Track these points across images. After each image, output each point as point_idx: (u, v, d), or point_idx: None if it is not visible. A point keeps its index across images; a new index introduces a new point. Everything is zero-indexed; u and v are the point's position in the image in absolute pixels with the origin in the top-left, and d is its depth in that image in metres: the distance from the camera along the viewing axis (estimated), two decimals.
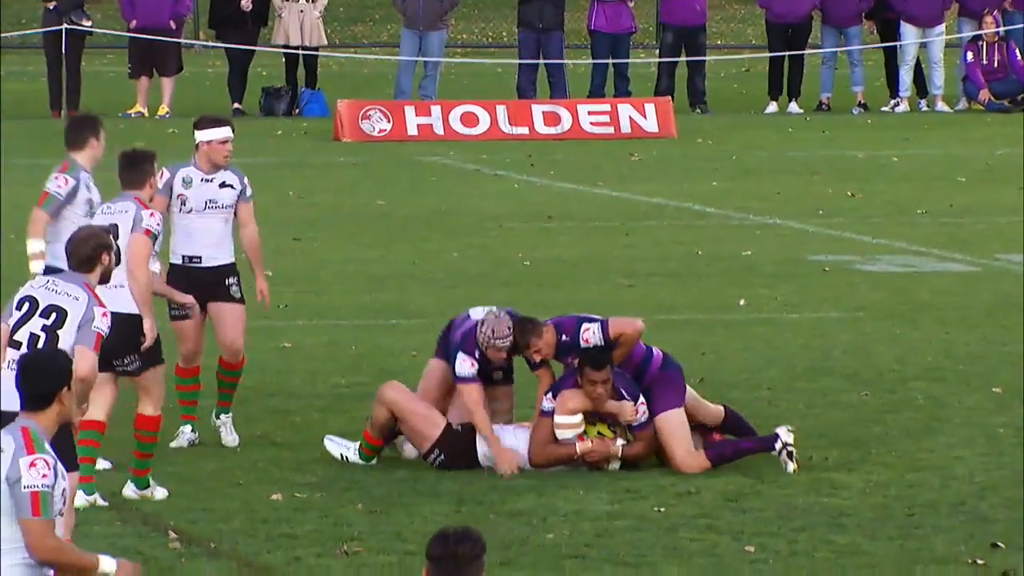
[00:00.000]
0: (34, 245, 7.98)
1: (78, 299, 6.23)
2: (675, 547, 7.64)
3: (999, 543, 7.80)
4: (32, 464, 4.18)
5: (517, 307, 9.05)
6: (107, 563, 4.32)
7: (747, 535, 7.75)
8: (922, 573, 7.48)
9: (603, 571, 7.29)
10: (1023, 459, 8.39)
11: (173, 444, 8.63)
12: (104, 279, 6.52)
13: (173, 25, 17.93)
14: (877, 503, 8.21)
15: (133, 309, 7.47)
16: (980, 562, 7.76)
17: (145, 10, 17.47)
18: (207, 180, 8.55)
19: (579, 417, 8.29)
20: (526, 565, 7.44)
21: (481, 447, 8.40)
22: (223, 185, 8.60)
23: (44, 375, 4.51)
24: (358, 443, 8.49)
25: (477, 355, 8.32)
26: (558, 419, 8.32)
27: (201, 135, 8.68)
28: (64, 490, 4.36)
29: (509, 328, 8.24)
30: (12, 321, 6.50)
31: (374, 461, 8.40)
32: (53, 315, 6.39)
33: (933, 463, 8.85)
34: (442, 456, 8.46)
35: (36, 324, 6.43)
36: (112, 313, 6.38)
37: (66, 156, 7.98)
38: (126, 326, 7.35)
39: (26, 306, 6.34)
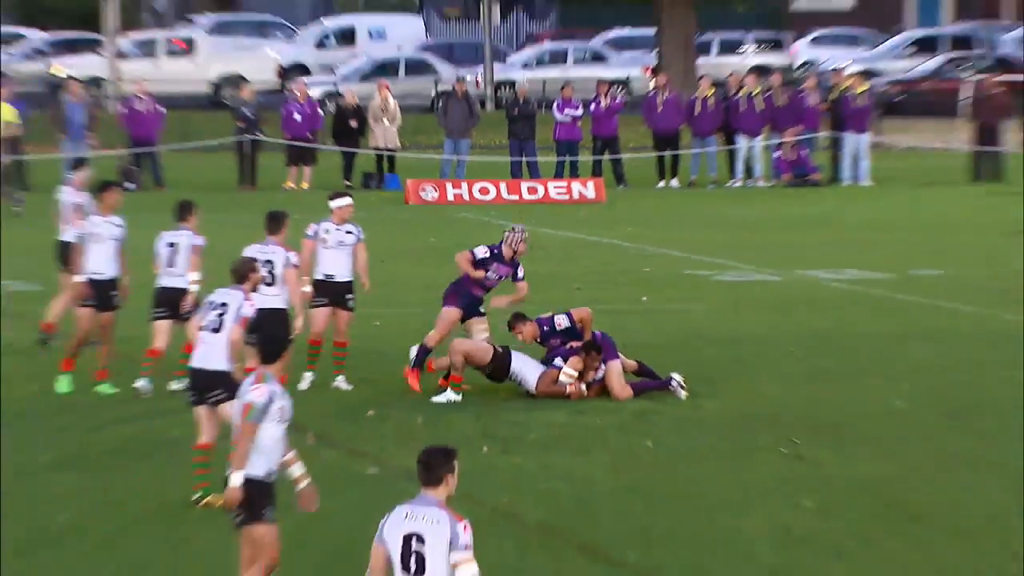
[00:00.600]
0: None
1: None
2: (605, 441, 11.45)
3: (795, 439, 11.05)
4: (255, 389, 7.25)
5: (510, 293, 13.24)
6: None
7: (649, 436, 11.53)
8: (752, 458, 10.79)
9: (562, 455, 10.92)
10: None
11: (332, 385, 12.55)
12: (254, 289, 9.89)
13: (311, 135, 26.82)
14: (723, 416, 11.88)
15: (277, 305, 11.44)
16: (783, 451, 11.04)
17: (299, 125, 26.46)
18: (338, 229, 12.73)
19: (576, 373, 12.26)
20: (518, 452, 11.33)
21: (516, 362, 12.32)
22: (348, 232, 12.73)
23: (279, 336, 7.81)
24: (448, 388, 12.11)
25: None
26: (564, 372, 12.22)
27: (334, 203, 12.84)
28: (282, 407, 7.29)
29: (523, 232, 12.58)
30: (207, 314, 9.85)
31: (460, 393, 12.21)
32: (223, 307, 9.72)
33: (744, 389, 12.65)
34: (490, 371, 12.34)
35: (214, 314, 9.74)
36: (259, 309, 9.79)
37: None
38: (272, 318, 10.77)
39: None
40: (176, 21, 49.46)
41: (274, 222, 11.73)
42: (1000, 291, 17.31)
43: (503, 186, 26.32)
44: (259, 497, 7.50)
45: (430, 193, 25.77)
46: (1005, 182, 27.00)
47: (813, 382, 13.04)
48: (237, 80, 34.46)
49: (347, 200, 12.97)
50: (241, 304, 9.80)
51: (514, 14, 49.91)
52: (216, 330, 9.65)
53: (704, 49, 40.18)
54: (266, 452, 7.47)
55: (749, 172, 27.35)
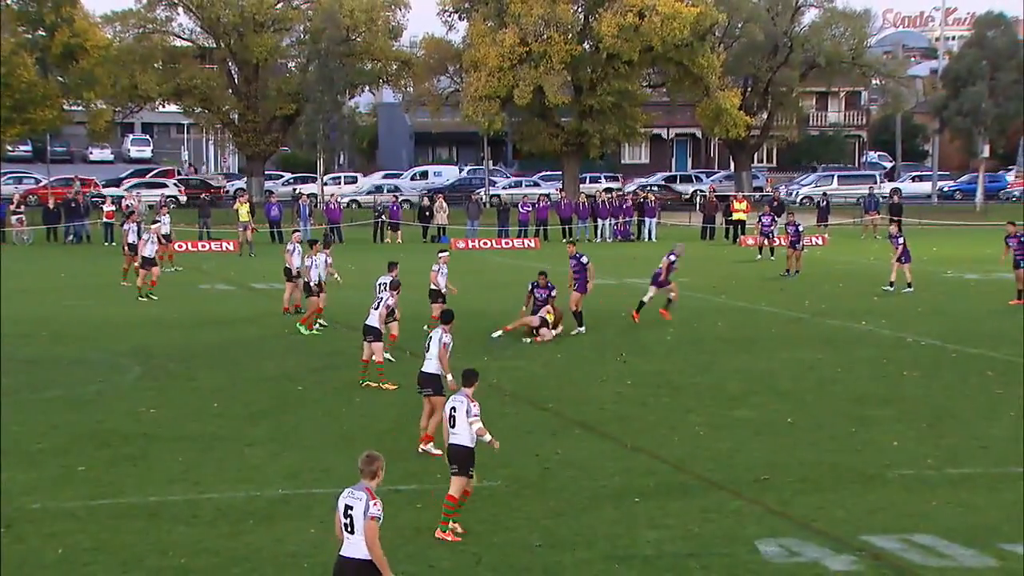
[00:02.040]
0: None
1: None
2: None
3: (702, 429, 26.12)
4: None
5: (470, 296, 34.37)
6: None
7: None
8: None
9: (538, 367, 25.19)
10: None
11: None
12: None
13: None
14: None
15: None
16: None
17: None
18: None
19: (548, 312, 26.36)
20: (509, 383, 21.44)
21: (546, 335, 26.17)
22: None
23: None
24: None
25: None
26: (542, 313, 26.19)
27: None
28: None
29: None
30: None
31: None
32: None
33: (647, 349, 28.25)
34: (535, 335, 24.52)
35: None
36: None
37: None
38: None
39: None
40: None
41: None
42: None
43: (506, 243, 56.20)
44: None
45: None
46: (715, 240, 56.92)
47: None
48: None
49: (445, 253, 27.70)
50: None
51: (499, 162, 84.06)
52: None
53: (583, 180, 72.23)
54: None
55: (599, 233, 57.77)
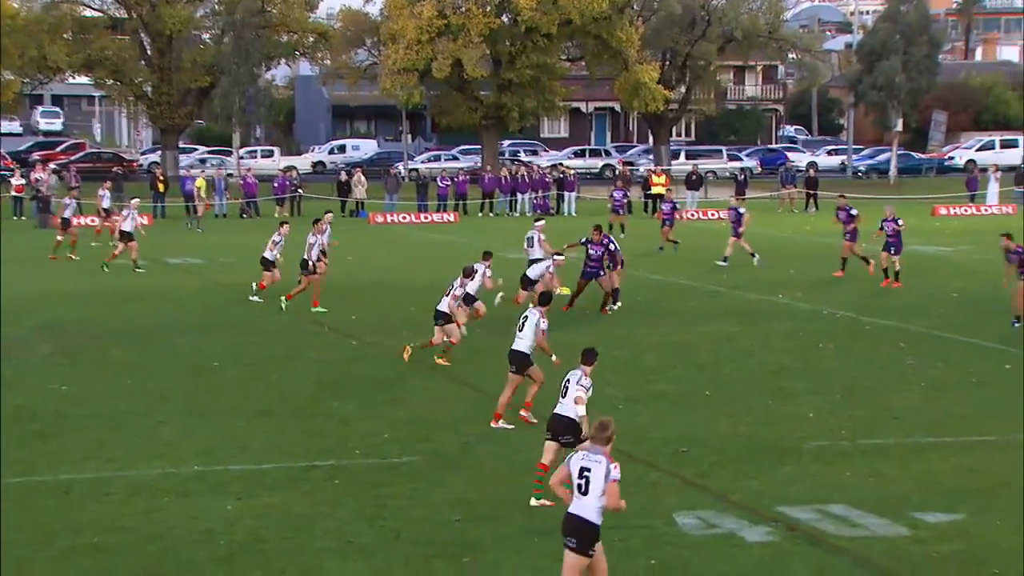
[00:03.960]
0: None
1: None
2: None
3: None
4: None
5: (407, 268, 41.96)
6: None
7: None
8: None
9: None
10: None
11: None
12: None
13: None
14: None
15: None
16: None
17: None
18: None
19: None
20: (428, 357, 21.34)
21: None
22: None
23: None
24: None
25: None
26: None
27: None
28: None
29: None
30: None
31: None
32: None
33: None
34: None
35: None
36: None
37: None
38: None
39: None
40: None
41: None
42: None
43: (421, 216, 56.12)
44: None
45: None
46: (633, 214, 57.29)
47: None
48: None
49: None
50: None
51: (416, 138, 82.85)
52: None
53: (501, 154, 72.20)
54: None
55: (517, 207, 57.80)
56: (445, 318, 21.48)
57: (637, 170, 70.48)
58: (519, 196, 57.55)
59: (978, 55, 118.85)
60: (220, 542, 12.83)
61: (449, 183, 57.78)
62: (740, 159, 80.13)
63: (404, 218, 54.36)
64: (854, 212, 34.06)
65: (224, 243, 43.14)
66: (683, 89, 76.38)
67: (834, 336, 24.59)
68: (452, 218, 54.44)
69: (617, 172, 63.48)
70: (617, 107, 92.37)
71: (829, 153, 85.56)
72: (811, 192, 58.91)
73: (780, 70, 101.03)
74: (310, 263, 27.75)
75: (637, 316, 27.25)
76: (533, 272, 26.66)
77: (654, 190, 56.33)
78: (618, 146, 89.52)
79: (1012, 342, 23.60)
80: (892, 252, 31.57)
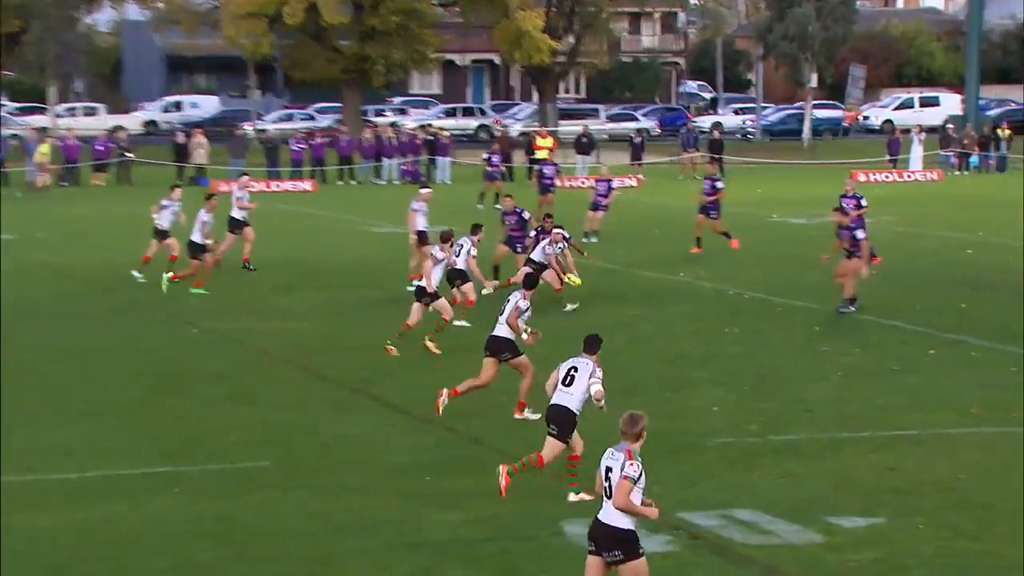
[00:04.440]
0: None
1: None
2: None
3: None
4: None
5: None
6: None
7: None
8: None
9: None
10: None
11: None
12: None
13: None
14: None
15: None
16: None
17: None
18: None
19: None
20: (279, 347, 26.33)
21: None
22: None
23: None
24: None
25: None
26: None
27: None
28: None
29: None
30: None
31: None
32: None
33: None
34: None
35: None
36: None
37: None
38: None
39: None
40: None
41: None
42: None
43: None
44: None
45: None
46: (514, 181, 57.37)
47: None
48: None
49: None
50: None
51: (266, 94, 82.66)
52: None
53: (363, 113, 72.13)
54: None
55: (384, 174, 57.72)
56: (430, 296, 21.77)
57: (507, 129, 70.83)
58: (385, 162, 57.37)
59: (899, 2, 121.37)
60: (31, 564, 12.61)
61: (304, 146, 57.38)
62: (635, 119, 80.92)
63: (252, 186, 53.71)
64: (720, 184, 34.44)
65: (40, 215, 42.36)
66: (572, 39, 76.81)
67: (741, 319, 24.97)
68: (308, 186, 54.22)
69: (494, 134, 63.62)
70: (497, 60, 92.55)
71: (736, 112, 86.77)
72: (715, 156, 59.63)
73: (681, 18, 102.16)
74: (206, 243, 27.79)
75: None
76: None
77: (538, 154, 56.54)
78: (498, 104, 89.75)
79: (936, 324, 24.19)
80: (854, 235, 31.73)
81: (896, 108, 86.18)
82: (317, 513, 14.07)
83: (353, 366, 21.18)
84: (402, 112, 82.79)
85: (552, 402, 14.50)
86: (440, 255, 22.17)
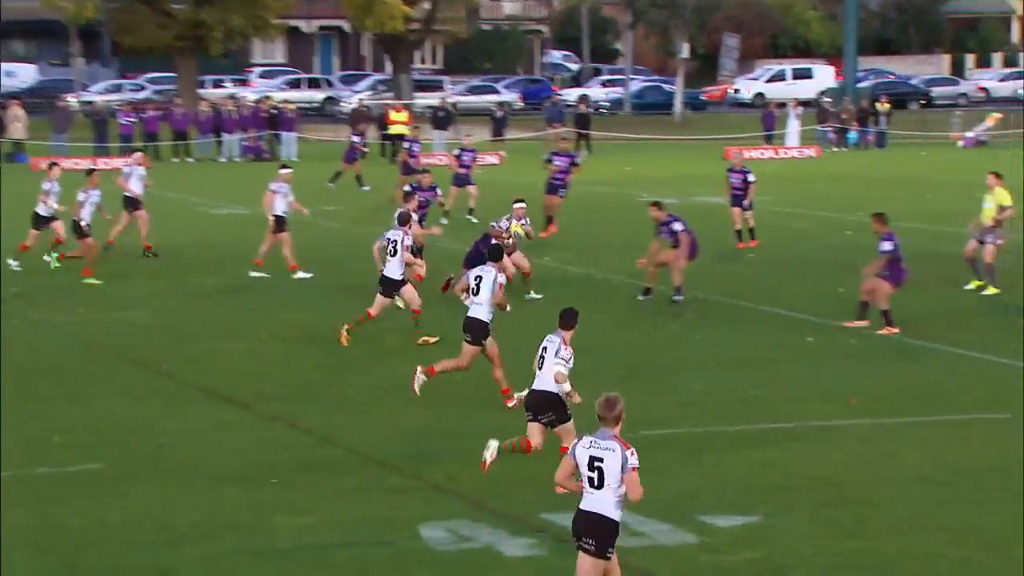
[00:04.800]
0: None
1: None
2: None
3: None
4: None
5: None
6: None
7: None
8: None
9: None
10: None
11: None
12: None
13: None
14: None
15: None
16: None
17: None
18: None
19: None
20: (112, 339, 25.19)
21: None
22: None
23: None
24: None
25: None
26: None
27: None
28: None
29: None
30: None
31: None
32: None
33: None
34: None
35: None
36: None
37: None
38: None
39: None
40: None
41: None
42: None
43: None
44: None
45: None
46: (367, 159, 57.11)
47: None
48: None
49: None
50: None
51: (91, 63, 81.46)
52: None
53: (200, 84, 71.76)
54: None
55: (223, 151, 57.07)
56: (396, 285, 21.76)
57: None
58: (224, 137, 56.79)
59: None
60: None
61: (134, 120, 56.62)
62: (496, 92, 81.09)
63: (77, 163, 52.91)
64: (578, 160, 35.00)
65: None
66: (427, 5, 76.66)
67: (611, 306, 25.19)
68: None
69: (354, 109, 63.05)
70: (346, 27, 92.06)
71: (604, 84, 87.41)
72: (582, 132, 60.06)
73: None
74: (83, 224, 27.36)
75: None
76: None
77: (393, 129, 56.40)
78: (348, 75, 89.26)
79: (814, 310, 24.64)
80: (744, 207, 32.29)
81: (768, 80, 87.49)
82: (153, 519, 13.93)
83: (193, 359, 20.99)
84: (243, 83, 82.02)
85: (532, 387, 14.98)
86: (408, 240, 21.98)
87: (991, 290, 26.22)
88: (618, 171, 50.99)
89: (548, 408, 14.90)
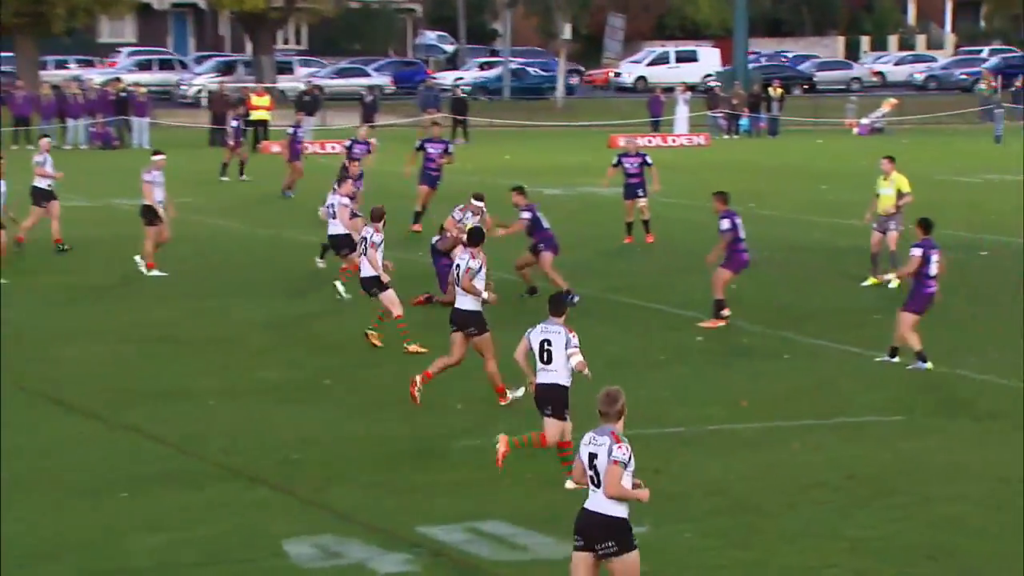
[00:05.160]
0: None
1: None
2: None
3: None
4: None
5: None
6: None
7: None
8: None
9: None
10: None
11: None
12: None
13: None
14: None
15: None
16: None
17: None
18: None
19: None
20: None
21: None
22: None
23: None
24: None
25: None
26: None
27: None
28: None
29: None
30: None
31: None
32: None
33: None
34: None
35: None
36: None
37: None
38: None
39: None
40: None
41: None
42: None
43: None
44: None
45: None
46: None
47: None
48: None
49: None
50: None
51: None
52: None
53: (42, 66, 71.10)
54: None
55: (69, 137, 56.30)
56: (378, 283, 21.66)
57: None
58: (70, 123, 56.04)
59: None
60: None
61: None
62: (366, 74, 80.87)
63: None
64: (452, 148, 35.02)
65: None
66: None
67: (489, 306, 25.11)
68: None
69: (212, 93, 62.67)
70: (202, 3, 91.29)
71: (481, 67, 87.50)
72: (459, 117, 60.13)
73: None
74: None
75: (238, 284, 27.37)
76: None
77: (255, 115, 56.08)
78: (205, 55, 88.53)
79: (704, 308, 24.78)
80: (638, 195, 32.37)
81: (650, 64, 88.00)
82: None
83: (37, 364, 20.74)
84: (88, 64, 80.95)
85: (537, 382, 15.43)
86: (379, 237, 21.86)
87: (895, 280, 26.47)
88: (496, 160, 51.08)
89: (558, 402, 15.44)
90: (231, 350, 21.78)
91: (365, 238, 21.92)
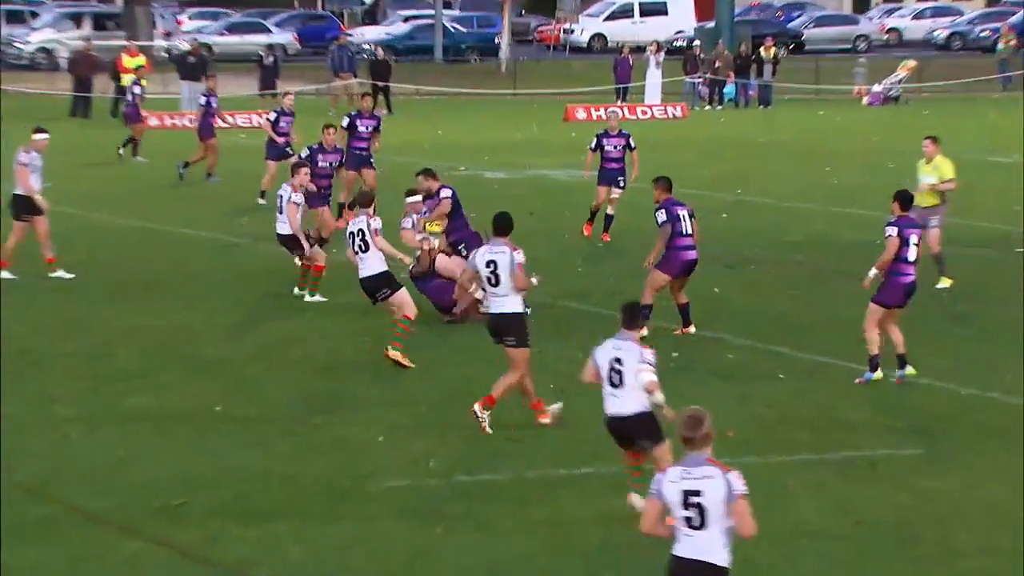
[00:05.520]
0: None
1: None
2: None
3: None
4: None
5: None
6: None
7: None
8: None
9: None
10: None
11: None
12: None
13: None
14: None
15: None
16: None
17: None
18: None
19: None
20: None
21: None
22: None
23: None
24: None
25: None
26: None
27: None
28: None
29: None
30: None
31: None
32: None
33: None
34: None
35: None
36: None
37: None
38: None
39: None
40: None
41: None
42: None
43: None
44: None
45: None
46: (93, 119, 56.19)
47: None
48: None
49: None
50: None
51: None
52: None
53: None
54: None
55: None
56: (379, 283, 21.82)
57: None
58: None
59: None
60: None
61: None
62: (265, 30, 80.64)
63: None
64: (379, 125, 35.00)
65: None
66: None
67: (420, 311, 25.01)
68: None
69: (74, 52, 62.32)
70: None
71: (406, 21, 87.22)
72: (379, 84, 59.89)
73: None
74: None
75: (106, 284, 27.29)
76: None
77: (125, 78, 55.73)
78: (68, 8, 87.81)
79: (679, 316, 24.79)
80: (617, 184, 32.12)
81: (608, 18, 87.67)
82: None
83: None
84: None
85: (608, 414, 15.41)
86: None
87: (944, 281, 26.41)
88: (426, 135, 50.93)
89: (643, 433, 15.42)
90: (94, 370, 21.61)
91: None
